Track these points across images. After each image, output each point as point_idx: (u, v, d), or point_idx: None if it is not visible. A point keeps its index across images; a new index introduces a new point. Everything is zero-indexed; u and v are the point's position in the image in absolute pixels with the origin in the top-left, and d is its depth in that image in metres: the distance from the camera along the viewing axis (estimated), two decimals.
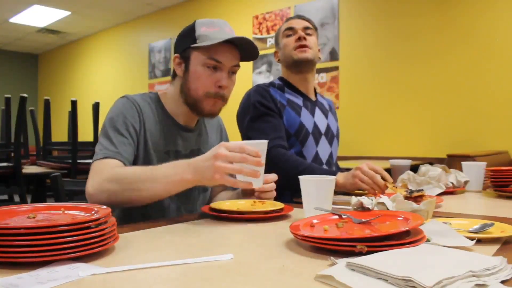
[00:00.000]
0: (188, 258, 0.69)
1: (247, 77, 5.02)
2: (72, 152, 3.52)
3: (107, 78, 7.37)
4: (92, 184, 1.07)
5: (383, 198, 0.99)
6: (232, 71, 1.26)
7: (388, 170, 1.44)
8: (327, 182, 1.02)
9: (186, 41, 1.24)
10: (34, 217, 0.77)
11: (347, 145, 3.70)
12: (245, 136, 1.62)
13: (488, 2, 3.47)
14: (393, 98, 3.98)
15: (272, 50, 4.87)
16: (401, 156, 3.26)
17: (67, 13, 6.53)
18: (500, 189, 1.51)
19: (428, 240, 0.74)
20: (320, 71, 4.40)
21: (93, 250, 0.69)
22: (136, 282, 0.60)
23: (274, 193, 1.25)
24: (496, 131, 3.41)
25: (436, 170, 1.55)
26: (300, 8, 4.66)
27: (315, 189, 1.02)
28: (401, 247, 0.68)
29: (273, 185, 1.24)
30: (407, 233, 0.77)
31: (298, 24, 1.70)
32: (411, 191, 1.17)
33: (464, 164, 1.68)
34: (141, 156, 1.22)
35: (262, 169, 0.97)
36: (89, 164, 1.16)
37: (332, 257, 0.67)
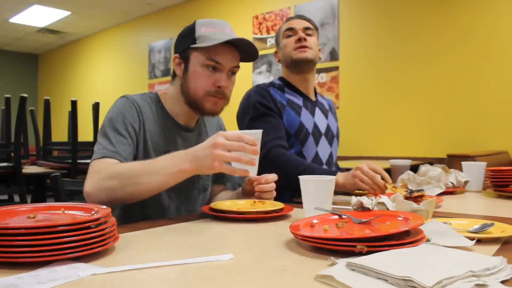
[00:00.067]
0: (188, 258, 0.69)
1: (247, 77, 5.02)
2: (72, 152, 3.52)
3: (107, 78, 7.37)
4: (91, 184, 1.06)
5: (383, 198, 0.99)
6: (232, 72, 1.26)
7: (388, 170, 1.44)
8: (327, 182, 1.02)
9: (186, 41, 1.24)
10: (34, 217, 0.77)
11: (347, 145, 3.70)
12: None
13: (488, 2, 3.47)
14: (393, 98, 3.98)
15: (272, 50, 4.88)
16: (401, 156, 3.26)
17: (67, 13, 6.53)
18: (500, 189, 1.51)
19: (428, 240, 0.74)
20: (320, 71, 4.40)
21: (93, 250, 0.69)
22: (136, 282, 0.60)
23: (274, 193, 1.25)
24: (496, 131, 3.41)
25: (436, 170, 1.55)
26: (300, 8, 4.66)
27: (315, 189, 1.02)
28: (401, 247, 0.68)
29: (273, 185, 1.24)
30: (407, 233, 0.77)
31: (299, 24, 1.70)
32: (411, 191, 1.17)
33: (464, 164, 1.68)
34: (141, 156, 1.21)
35: (258, 157, 0.99)
36: (89, 164, 1.16)
37: (332, 257, 0.67)
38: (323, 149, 1.69)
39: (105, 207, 0.81)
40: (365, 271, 0.58)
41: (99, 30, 7.48)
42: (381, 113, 4.05)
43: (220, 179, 1.49)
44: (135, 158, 1.21)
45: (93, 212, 0.79)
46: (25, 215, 0.80)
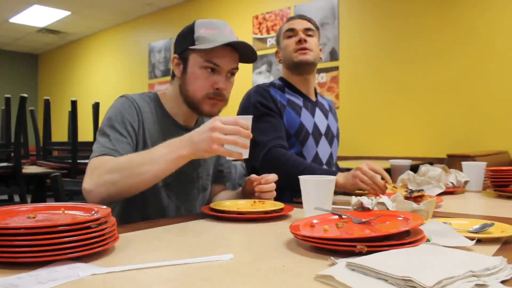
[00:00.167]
0: (188, 258, 0.69)
1: (247, 77, 5.02)
2: (72, 152, 3.53)
3: (107, 78, 7.37)
4: (90, 181, 1.06)
5: (383, 198, 0.99)
6: (231, 73, 1.26)
7: (388, 170, 1.44)
8: (327, 182, 1.02)
9: (185, 42, 1.24)
10: (34, 217, 0.77)
11: (347, 145, 3.70)
12: None
13: (488, 2, 3.47)
14: (393, 98, 3.98)
15: (272, 50, 4.88)
16: (401, 156, 3.27)
17: (67, 13, 6.53)
18: (500, 189, 1.51)
19: (428, 240, 0.74)
20: (320, 71, 4.40)
21: (93, 250, 0.69)
22: (136, 282, 0.60)
23: (274, 193, 1.25)
24: (496, 131, 3.41)
25: (436, 170, 1.55)
26: (300, 8, 4.66)
27: (315, 189, 1.02)
28: (401, 247, 0.68)
29: (273, 185, 1.24)
30: (407, 233, 0.77)
31: (299, 25, 1.69)
32: (411, 191, 1.17)
33: (464, 164, 1.68)
34: None
35: (249, 141, 1.04)
36: None
37: (332, 257, 0.67)
38: (323, 150, 1.69)
39: (105, 207, 0.81)
40: (365, 271, 0.58)
41: (99, 30, 7.48)
42: (381, 113, 4.05)
43: (219, 179, 1.49)
44: None
45: (93, 212, 0.79)
46: (25, 215, 0.80)
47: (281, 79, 1.76)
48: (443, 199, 1.33)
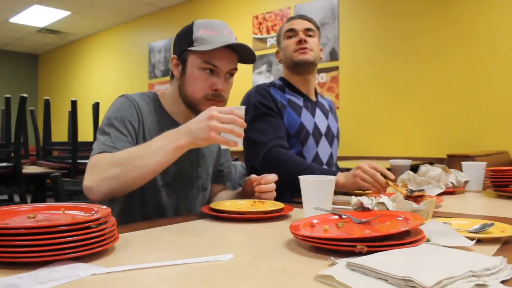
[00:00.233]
0: (188, 258, 0.69)
1: (247, 77, 5.02)
2: (72, 152, 3.52)
3: (107, 78, 7.37)
4: (90, 177, 1.06)
5: (383, 198, 0.99)
6: (230, 74, 1.26)
7: (388, 170, 1.44)
8: (327, 182, 1.02)
9: (184, 43, 1.24)
10: (34, 217, 0.77)
11: (347, 145, 3.70)
12: (245, 136, 1.61)
13: (488, 2, 3.47)
14: (393, 98, 3.98)
15: (272, 50, 4.88)
16: (401, 156, 3.26)
17: (67, 13, 6.53)
18: (500, 189, 1.51)
19: (428, 240, 0.74)
20: (320, 71, 4.40)
21: (93, 250, 0.69)
22: (136, 282, 0.60)
23: (274, 193, 1.25)
24: (496, 131, 3.41)
25: (436, 170, 1.55)
26: (300, 8, 4.66)
27: (315, 189, 1.02)
28: (401, 247, 0.68)
29: (273, 185, 1.24)
30: (407, 233, 0.77)
31: (300, 25, 1.69)
32: (412, 191, 1.16)
33: (464, 164, 1.68)
34: None
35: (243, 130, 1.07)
36: None
37: (332, 257, 0.67)
38: (324, 150, 1.69)
39: (105, 207, 0.81)
40: (365, 271, 0.58)
41: (99, 30, 7.48)
42: (381, 113, 4.05)
43: (219, 178, 1.49)
44: None
45: (93, 212, 0.79)
46: (25, 215, 0.80)
47: (281, 79, 1.76)
48: (443, 199, 1.33)
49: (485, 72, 3.47)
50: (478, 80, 3.51)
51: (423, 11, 3.79)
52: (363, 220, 0.86)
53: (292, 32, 1.69)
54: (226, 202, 1.21)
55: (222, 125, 1.00)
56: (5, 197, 3.87)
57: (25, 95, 3.30)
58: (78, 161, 3.51)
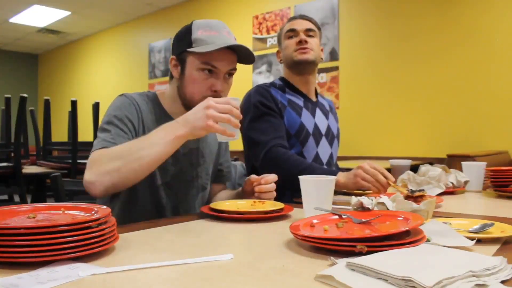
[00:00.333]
0: (188, 258, 0.69)
1: (247, 77, 5.02)
2: (72, 152, 3.52)
3: (107, 78, 7.37)
4: (91, 172, 1.06)
5: (383, 198, 0.99)
6: (229, 74, 1.26)
7: (388, 170, 1.44)
8: (327, 182, 1.02)
9: (182, 44, 1.23)
10: (34, 217, 0.77)
11: (347, 145, 3.70)
12: (245, 136, 1.62)
13: (489, 2, 3.47)
14: (393, 98, 3.98)
15: (272, 50, 4.88)
16: (401, 156, 3.26)
17: (67, 13, 6.53)
18: (500, 189, 1.51)
19: (428, 240, 0.74)
20: (320, 71, 4.41)
21: (93, 250, 0.69)
22: (136, 282, 0.60)
23: (274, 193, 1.25)
24: (496, 131, 3.41)
25: (436, 170, 1.55)
26: (300, 8, 4.66)
27: (315, 189, 1.02)
28: (401, 247, 0.68)
29: (273, 186, 1.24)
30: (407, 233, 0.77)
31: (301, 25, 1.69)
32: (413, 191, 1.16)
33: (464, 164, 1.68)
34: None
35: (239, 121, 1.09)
36: None
37: (332, 257, 0.67)
38: (324, 150, 1.69)
39: (105, 207, 0.81)
40: (365, 271, 0.58)
41: (99, 30, 7.48)
42: (381, 113, 4.05)
43: (219, 178, 1.49)
44: None
45: (93, 212, 0.79)
46: (25, 215, 0.80)
47: (281, 79, 1.76)
48: (443, 199, 1.33)
49: (485, 72, 3.47)
50: (478, 80, 3.51)
51: (423, 11, 3.79)
52: (363, 220, 0.86)
53: (292, 32, 1.69)
54: (226, 202, 1.21)
55: (219, 114, 1.02)
56: (5, 197, 3.87)
57: (25, 95, 3.30)
58: (78, 161, 3.51)
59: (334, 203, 1.08)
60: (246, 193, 1.30)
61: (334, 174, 1.39)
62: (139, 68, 6.66)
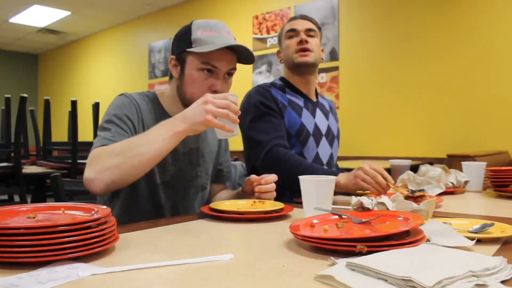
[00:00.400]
0: (188, 258, 0.69)
1: (247, 77, 5.02)
2: (72, 152, 3.52)
3: (107, 78, 7.37)
4: (91, 169, 1.06)
5: (383, 198, 0.99)
6: (228, 73, 1.26)
7: (388, 170, 1.44)
8: (327, 182, 1.02)
9: (182, 44, 1.23)
10: (34, 217, 0.77)
11: (347, 145, 3.70)
12: (246, 136, 1.62)
13: (489, 2, 3.47)
14: (393, 98, 3.98)
15: (272, 50, 4.88)
16: (401, 156, 3.26)
17: (67, 13, 6.53)
18: (500, 189, 1.51)
19: (428, 240, 0.74)
20: (320, 71, 4.40)
21: (93, 250, 0.69)
22: (136, 282, 0.60)
23: (274, 193, 1.25)
24: (496, 131, 3.41)
25: (436, 170, 1.55)
26: (300, 8, 4.67)
27: (315, 189, 1.02)
28: (401, 247, 0.68)
29: (273, 186, 1.24)
30: (407, 233, 0.77)
31: (301, 25, 1.69)
32: (413, 191, 1.16)
33: (464, 164, 1.68)
34: None
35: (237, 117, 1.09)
36: None
37: (332, 257, 0.67)
38: (324, 150, 1.69)
39: (105, 207, 0.81)
40: (365, 271, 0.58)
41: (99, 30, 7.48)
42: (381, 113, 4.05)
43: (219, 178, 1.49)
44: None
45: (93, 212, 0.79)
46: (25, 215, 0.80)
47: (282, 79, 1.76)
48: (443, 199, 1.33)
49: (485, 72, 3.47)
50: (478, 80, 3.51)
51: (423, 11, 3.79)
52: (363, 220, 0.86)
53: (293, 32, 1.69)
54: (226, 202, 1.21)
55: (217, 109, 1.02)
56: (5, 197, 3.88)
57: (25, 95, 3.30)
58: (78, 161, 3.51)
59: (334, 203, 1.08)
60: (246, 193, 1.30)
61: (335, 175, 1.39)
62: (139, 68, 6.66)
